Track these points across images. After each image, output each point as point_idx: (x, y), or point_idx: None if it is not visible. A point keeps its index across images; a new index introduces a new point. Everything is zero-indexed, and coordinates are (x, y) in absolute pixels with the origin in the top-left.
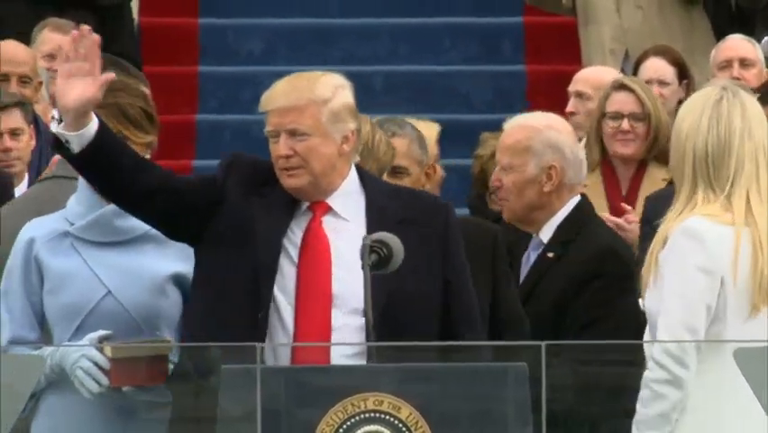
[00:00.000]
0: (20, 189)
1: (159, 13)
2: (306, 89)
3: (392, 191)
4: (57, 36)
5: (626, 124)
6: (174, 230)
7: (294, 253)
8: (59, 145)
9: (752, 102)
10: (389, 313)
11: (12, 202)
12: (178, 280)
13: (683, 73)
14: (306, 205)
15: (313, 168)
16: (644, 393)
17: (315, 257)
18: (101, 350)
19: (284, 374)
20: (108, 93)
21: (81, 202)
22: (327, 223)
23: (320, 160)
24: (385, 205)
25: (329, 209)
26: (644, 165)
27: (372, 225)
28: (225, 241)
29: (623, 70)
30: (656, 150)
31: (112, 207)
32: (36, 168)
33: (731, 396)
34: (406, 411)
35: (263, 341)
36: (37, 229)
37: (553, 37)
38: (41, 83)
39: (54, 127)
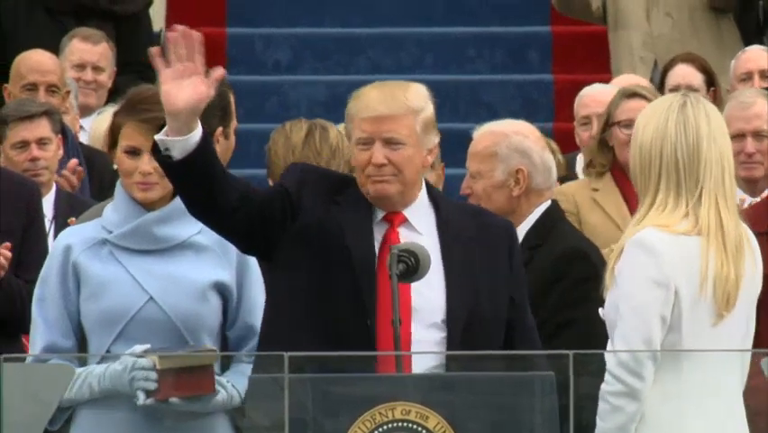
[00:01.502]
0: (47, 199)
1: (186, 22)
2: (403, 98)
3: (459, 207)
4: (85, 46)
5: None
6: (250, 243)
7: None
8: (155, 151)
9: (713, 109)
10: (470, 330)
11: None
12: (218, 287)
13: (711, 81)
14: (381, 215)
15: (405, 177)
16: (601, 406)
17: None
18: (152, 363)
19: (311, 384)
20: (150, 106)
21: (119, 210)
22: (402, 235)
23: (412, 170)
24: (455, 221)
25: (405, 221)
26: None
27: (445, 241)
28: (312, 251)
29: (652, 80)
30: None
31: (151, 214)
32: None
33: (690, 406)
34: (434, 421)
35: (374, 349)
36: (74, 236)
37: (580, 46)
38: (68, 92)
39: (157, 135)
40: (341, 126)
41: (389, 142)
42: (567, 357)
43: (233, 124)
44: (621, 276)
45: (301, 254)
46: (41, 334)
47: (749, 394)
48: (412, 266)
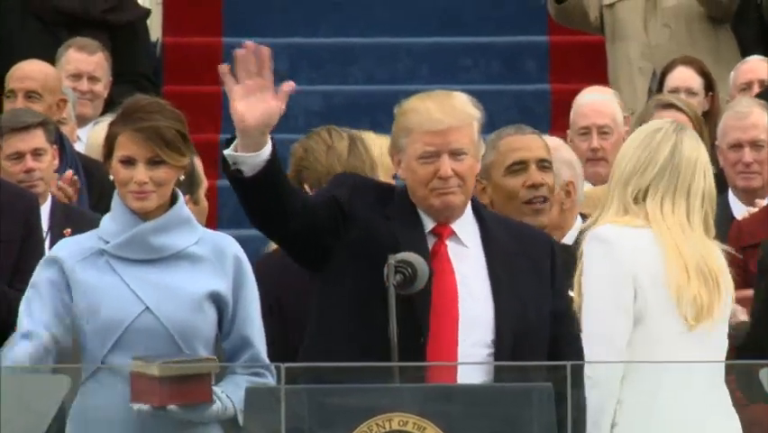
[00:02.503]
0: (43, 210)
1: (182, 32)
2: (461, 108)
3: (500, 220)
4: (81, 56)
5: None
6: (305, 254)
7: None
8: (225, 167)
9: (692, 135)
10: (519, 345)
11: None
12: (214, 298)
13: (710, 85)
14: (429, 227)
15: (468, 187)
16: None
17: (443, 284)
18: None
19: (308, 394)
20: (145, 115)
21: (116, 220)
22: (450, 248)
23: (472, 179)
24: (500, 235)
25: (452, 234)
26: None
27: (491, 255)
28: (366, 264)
29: (650, 89)
30: None
31: (148, 224)
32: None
33: (662, 407)
34: (432, 432)
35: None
36: (69, 247)
37: (578, 56)
38: (65, 101)
39: (226, 151)
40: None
41: (455, 154)
42: (564, 368)
43: (203, 187)
44: (583, 274)
45: (354, 266)
46: (23, 326)
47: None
48: (409, 276)
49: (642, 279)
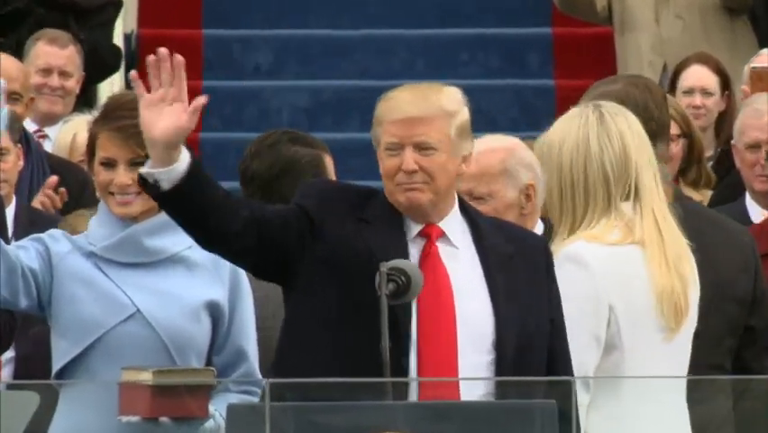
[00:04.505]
0: (9, 212)
1: (159, 23)
2: (436, 99)
3: (493, 222)
4: (51, 49)
5: None
6: (264, 268)
7: None
8: (144, 182)
9: (631, 116)
10: (521, 352)
11: None
12: (210, 307)
13: (726, 83)
14: (416, 230)
15: (437, 186)
16: None
17: (435, 289)
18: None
19: (294, 412)
20: (126, 113)
21: (104, 224)
22: (441, 250)
23: (445, 177)
24: (492, 237)
25: (442, 234)
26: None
27: (485, 258)
28: (339, 277)
29: (661, 84)
30: (694, 173)
31: (139, 225)
32: (27, 189)
33: (629, 429)
34: None
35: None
36: (60, 237)
37: (584, 49)
38: (33, 99)
39: (142, 169)
40: None
41: (421, 147)
42: (569, 384)
43: None
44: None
45: (326, 281)
46: None
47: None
48: (403, 285)
49: (617, 304)
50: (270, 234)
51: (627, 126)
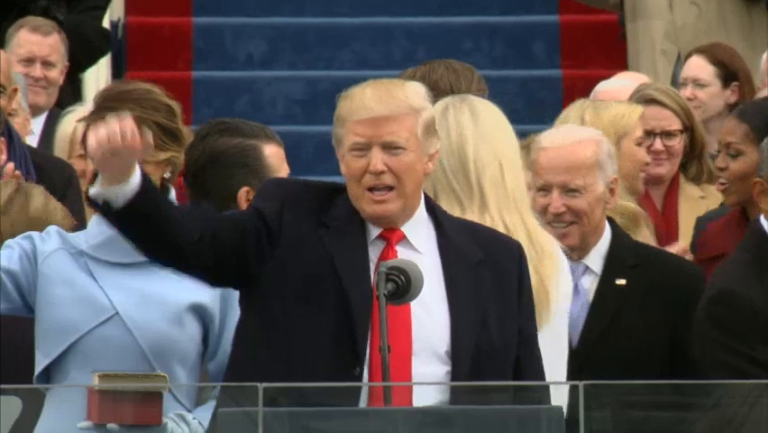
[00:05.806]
0: None
1: (148, 11)
2: (402, 96)
3: (460, 224)
4: (34, 38)
5: (658, 143)
6: (220, 278)
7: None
8: (91, 203)
9: (486, 108)
10: (477, 363)
11: None
12: (197, 310)
13: (731, 75)
14: (376, 232)
15: (405, 188)
16: None
17: None
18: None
19: (288, 418)
20: (117, 104)
21: (101, 222)
22: (401, 255)
23: (413, 179)
24: (459, 240)
25: (403, 238)
26: (675, 181)
27: (448, 263)
28: (297, 281)
29: (674, 74)
30: (695, 168)
31: None
32: None
33: None
34: None
35: (363, 402)
36: (52, 237)
37: (592, 37)
38: (16, 90)
39: (91, 190)
40: None
41: (389, 147)
42: (577, 389)
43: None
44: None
45: (282, 289)
46: None
47: None
48: (402, 286)
49: None
50: (226, 247)
51: (471, 117)
